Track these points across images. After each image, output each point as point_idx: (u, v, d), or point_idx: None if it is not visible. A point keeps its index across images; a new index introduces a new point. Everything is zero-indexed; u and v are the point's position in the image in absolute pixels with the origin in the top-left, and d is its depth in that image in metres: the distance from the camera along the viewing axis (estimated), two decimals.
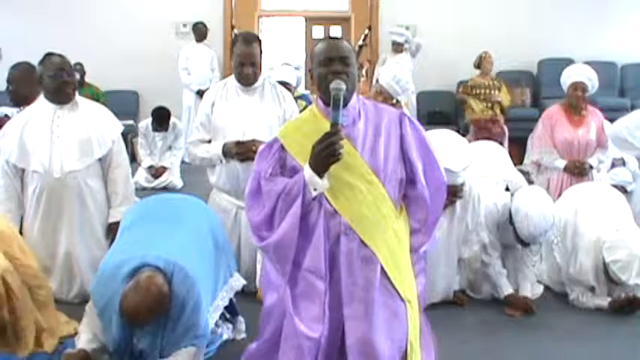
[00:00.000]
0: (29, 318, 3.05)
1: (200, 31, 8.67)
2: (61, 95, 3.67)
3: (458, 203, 3.81)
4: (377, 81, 4.96)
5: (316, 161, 2.22)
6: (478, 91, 7.56)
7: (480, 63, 7.67)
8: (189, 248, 3.01)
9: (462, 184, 3.68)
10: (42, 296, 3.17)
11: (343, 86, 2.24)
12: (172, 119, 7.27)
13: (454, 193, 3.54)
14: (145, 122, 7.30)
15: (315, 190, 2.25)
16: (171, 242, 2.98)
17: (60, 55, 3.73)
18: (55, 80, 3.64)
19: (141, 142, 7.25)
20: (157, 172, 7.12)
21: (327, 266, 2.29)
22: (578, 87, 4.96)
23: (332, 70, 2.29)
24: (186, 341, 2.86)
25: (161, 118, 7.12)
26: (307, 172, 2.25)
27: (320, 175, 2.24)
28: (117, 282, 2.78)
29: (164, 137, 7.29)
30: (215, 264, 3.20)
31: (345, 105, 2.28)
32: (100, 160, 3.76)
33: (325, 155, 2.20)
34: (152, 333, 2.86)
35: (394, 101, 4.80)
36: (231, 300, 3.36)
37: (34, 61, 3.81)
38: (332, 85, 2.24)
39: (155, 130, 7.21)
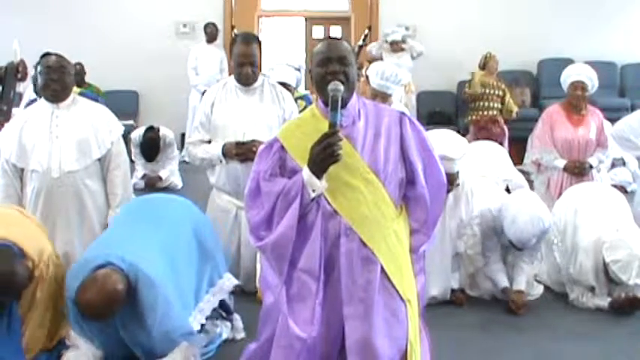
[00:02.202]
0: (46, 314, 3.07)
1: (211, 32, 8.66)
2: (46, 93, 3.67)
3: (451, 196, 3.83)
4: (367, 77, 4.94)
5: (314, 163, 2.22)
6: (483, 90, 7.56)
7: (486, 63, 7.66)
8: (157, 252, 3.00)
9: (458, 172, 3.69)
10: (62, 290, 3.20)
11: (341, 87, 2.23)
12: (162, 132, 7.17)
13: (450, 181, 3.54)
14: (138, 133, 7.20)
15: (313, 191, 2.25)
16: (139, 244, 2.98)
17: (57, 55, 3.72)
18: (42, 77, 3.65)
19: (134, 152, 7.10)
20: (150, 181, 7.08)
21: (323, 267, 2.29)
22: (578, 86, 4.96)
23: (330, 70, 2.28)
24: (172, 343, 2.87)
25: (150, 149, 7.08)
26: (306, 174, 2.24)
27: (318, 176, 2.23)
28: (80, 278, 2.78)
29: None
30: (197, 267, 3.20)
31: (344, 105, 2.28)
32: (99, 160, 3.76)
33: (324, 157, 2.20)
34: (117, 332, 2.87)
35: (391, 100, 4.81)
36: (224, 300, 3.35)
37: (34, 61, 3.81)
38: (330, 87, 2.23)
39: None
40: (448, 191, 3.69)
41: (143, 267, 2.83)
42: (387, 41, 8.24)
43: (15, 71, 2.82)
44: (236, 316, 3.48)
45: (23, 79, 3.55)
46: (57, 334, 3.14)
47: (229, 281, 3.41)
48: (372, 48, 8.33)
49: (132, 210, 3.39)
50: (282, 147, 2.36)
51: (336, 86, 2.23)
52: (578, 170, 4.98)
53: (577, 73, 5.02)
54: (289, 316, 2.29)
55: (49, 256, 3.04)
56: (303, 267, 2.30)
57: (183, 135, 8.08)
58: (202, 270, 3.23)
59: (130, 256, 2.85)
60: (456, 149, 3.61)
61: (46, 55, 3.70)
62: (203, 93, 8.06)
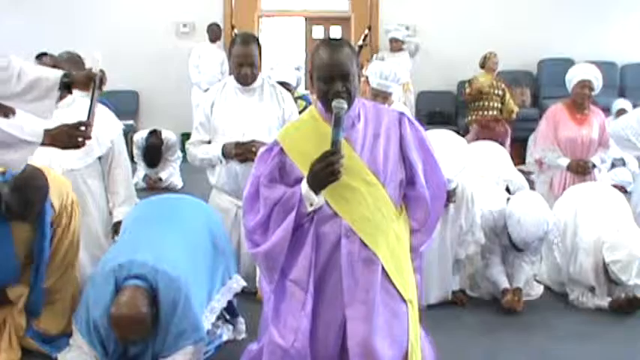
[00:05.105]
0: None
1: (214, 32, 8.66)
2: None
3: (451, 205, 3.82)
4: (366, 79, 4.93)
5: (314, 179, 2.22)
6: (490, 89, 7.56)
7: (485, 63, 7.68)
8: (179, 251, 3.03)
9: (454, 189, 3.68)
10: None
11: (345, 105, 2.22)
12: (164, 135, 7.16)
13: (447, 197, 3.53)
14: (141, 135, 7.19)
15: (311, 205, 2.25)
16: (161, 245, 3.01)
17: (66, 54, 3.72)
18: None
19: (136, 154, 7.10)
20: (151, 181, 7.06)
21: (315, 277, 2.29)
22: (586, 85, 4.96)
23: (333, 89, 2.25)
24: (181, 343, 2.90)
25: (152, 156, 7.06)
26: (304, 188, 2.24)
27: (316, 192, 2.23)
28: (107, 290, 2.86)
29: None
30: (211, 266, 3.22)
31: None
32: (99, 159, 3.76)
33: (324, 175, 2.19)
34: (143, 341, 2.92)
35: (392, 99, 4.80)
36: (230, 302, 3.36)
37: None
38: (334, 104, 2.21)
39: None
40: (446, 205, 3.69)
41: (165, 267, 2.87)
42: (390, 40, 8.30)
43: (100, 84, 2.81)
44: (240, 320, 3.48)
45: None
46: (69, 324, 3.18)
47: (237, 283, 3.41)
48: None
49: (147, 210, 3.40)
50: (281, 150, 2.35)
51: (340, 104, 2.21)
52: (582, 169, 4.97)
53: (584, 72, 5.02)
54: (272, 324, 2.33)
55: (71, 202, 3.28)
56: (293, 277, 2.31)
57: (183, 135, 8.07)
58: (215, 269, 3.25)
59: (153, 259, 2.89)
60: (450, 168, 3.54)
61: (40, 55, 3.70)
62: (206, 91, 8.11)
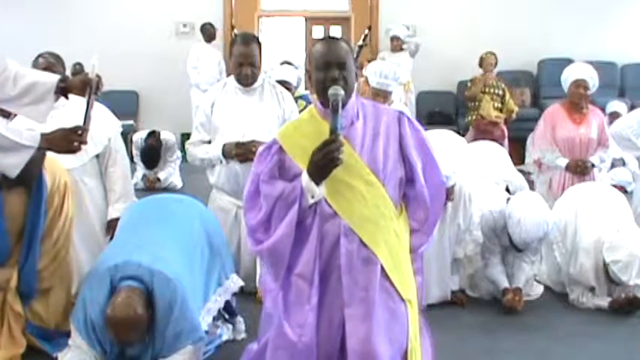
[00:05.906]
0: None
1: (209, 32, 8.65)
2: None
3: (449, 205, 3.82)
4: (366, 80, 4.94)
5: (315, 169, 2.22)
6: (483, 89, 7.57)
7: (482, 63, 7.69)
8: (175, 252, 3.03)
9: (453, 186, 3.68)
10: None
11: (341, 92, 2.23)
12: (163, 136, 7.16)
13: (445, 195, 3.53)
14: (140, 136, 7.20)
15: (312, 197, 2.25)
16: (157, 246, 3.01)
17: (48, 54, 3.70)
18: None
19: (135, 154, 7.11)
20: (149, 181, 7.06)
21: (318, 272, 2.29)
22: (581, 84, 4.96)
23: (329, 76, 2.27)
24: (179, 344, 2.90)
25: (150, 158, 7.07)
26: (305, 180, 2.24)
27: (318, 182, 2.23)
28: (103, 290, 2.86)
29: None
30: (207, 267, 3.22)
31: (343, 107, 2.27)
32: (97, 157, 3.75)
33: (325, 163, 2.19)
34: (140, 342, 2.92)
35: (392, 99, 4.81)
36: (228, 301, 3.36)
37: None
38: (330, 92, 2.23)
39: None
40: (444, 203, 3.69)
41: (161, 268, 2.87)
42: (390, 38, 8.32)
43: (96, 89, 2.81)
44: (239, 319, 3.49)
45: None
46: (67, 320, 3.16)
47: (235, 282, 3.41)
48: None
49: (142, 210, 3.41)
50: (280, 148, 2.35)
51: (337, 91, 2.22)
52: (581, 169, 4.97)
53: (579, 71, 5.02)
54: (284, 319, 2.31)
55: (64, 185, 3.27)
56: (298, 272, 2.31)
57: (183, 135, 8.08)
58: (211, 270, 3.25)
59: (148, 260, 2.89)
60: (448, 165, 3.55)
61: (40, 56, 3.68)
62: (205, 91, 8.10)
